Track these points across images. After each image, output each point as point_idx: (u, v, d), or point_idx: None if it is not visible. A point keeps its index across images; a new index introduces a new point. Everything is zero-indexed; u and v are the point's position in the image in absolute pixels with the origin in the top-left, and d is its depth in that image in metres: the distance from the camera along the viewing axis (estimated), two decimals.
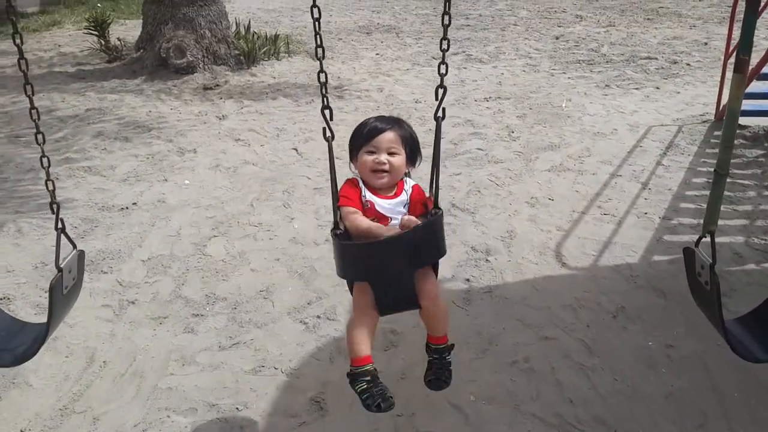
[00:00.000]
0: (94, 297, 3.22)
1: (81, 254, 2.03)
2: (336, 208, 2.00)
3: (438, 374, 2.12)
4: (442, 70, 1.94)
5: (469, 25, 9.97)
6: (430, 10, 11.52)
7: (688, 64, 7.47)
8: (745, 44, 1.76)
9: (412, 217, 1.93)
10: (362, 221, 1.96)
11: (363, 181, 2.06)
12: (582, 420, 2.43)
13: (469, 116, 5.74)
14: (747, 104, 5.20)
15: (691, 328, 2.93)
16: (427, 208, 2.04)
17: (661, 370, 2.72)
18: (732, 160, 4.62)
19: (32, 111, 1.99)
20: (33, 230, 3.86)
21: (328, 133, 2.00)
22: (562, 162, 4.74)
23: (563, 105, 6.04)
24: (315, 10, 1.89)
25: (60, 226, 1.95)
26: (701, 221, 3.89)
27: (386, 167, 2.03)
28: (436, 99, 1.95)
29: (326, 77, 1.98)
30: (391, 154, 2.04)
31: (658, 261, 3.49)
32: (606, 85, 6.68)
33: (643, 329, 2.97)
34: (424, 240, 1.90)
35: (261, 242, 3.72)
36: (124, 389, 2.64)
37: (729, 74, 5.41)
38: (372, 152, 2.04)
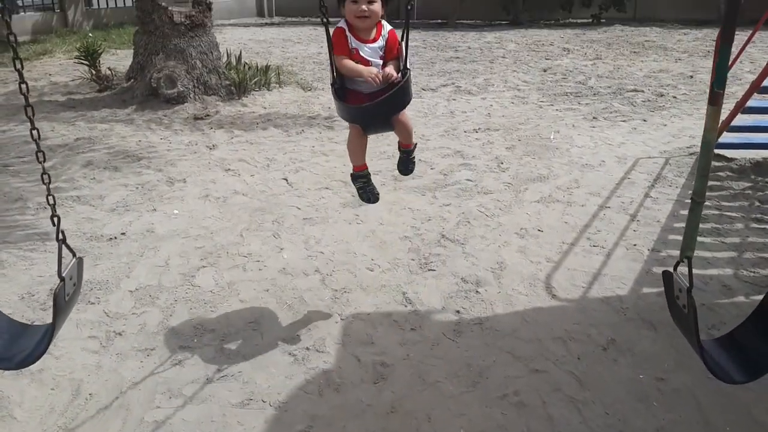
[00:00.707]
0: (80, 328, 3.17)
1: (80, 261, 2.18)
2: (331, 55, 2.68)
3: (405, 165, 3.18)
4: None
5: (458, 57, 10.10)
6: (420, 42, 11.67)
7: (675, 97, 7.60)
8: (720, 79, 1.80)
9: (391, 73, 2.65)
10: (351, 64, 2.66)
11: (348, 27, 2.68)
12: None
13: (458, 147, 5.79)
14: (733, 137, 5.29)
15: (681, 360, 2.93)
16: (398, 54, 2.73)
17: (652, 404, 2.70)
18: (719, 193, 4.72)
19: (33, 131, 2.12)
20: (19, 261, 3.82)
21: (324, 19, 2.60)
22: (551, 193, 4.77)
23: (551, 137, 6.11)
24: None
25: (61, 237, 2.04)
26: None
27: (367, 14, 2.65)
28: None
29: None
30: (370, 2, 2.65)
31: (647, 293, 3.49)
32: (593, 118, 6.77)
33: (634, 362, 2.96)
34: (399, 96, 2.65)
35: (250, 273, 3.69)
36: (110, 422, 2.59)
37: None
38: (355, 1, 2.64)
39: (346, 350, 3.05)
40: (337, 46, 2.67)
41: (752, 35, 4.72)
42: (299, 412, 2.66)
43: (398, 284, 3.57)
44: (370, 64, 2.71)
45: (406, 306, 3.39)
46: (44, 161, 2.16)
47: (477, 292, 3.50)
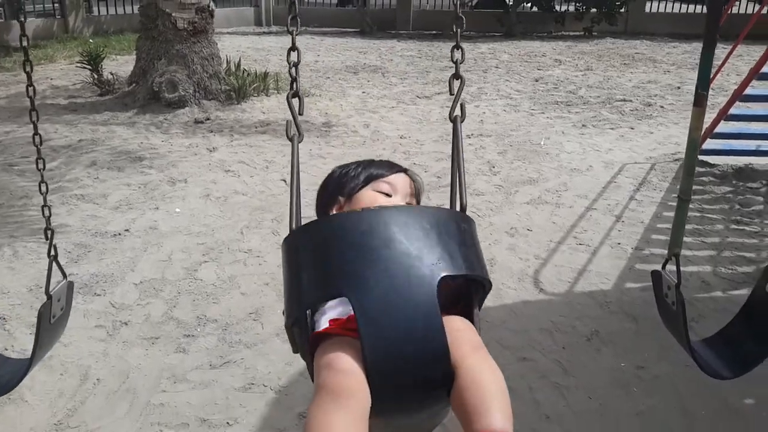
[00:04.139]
0: (87, 318, 3.31)
1: (70, 285, 1.95)
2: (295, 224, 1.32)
3: None
4: (456, 55, 1.54)
5: (452, 67, 10.30)
6: (415, 52, 11.88)
7: (662, 107, 7.81)
8: (703, 80, 1.97)
9: None
10: None
11: None
12: None
13: (451, 151, 5.96)
14: (716, 144, 5.49)
15: (661, 351, 3.09)
16: None
17: (633, 390, 2.86)
18: (701, 196, 4.90)
19: (35, 137, 1.99)
20: (27, 254, 3.95)
21: (293, 131, 1.40)
22: (541, 195, 4.95)
23: (542, 142, 6.30)
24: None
25: (53, 253, 1.91)
26: None
27: None
28: (451, 94, 1.52)
29: (298, 55, 1.49)
30: (407, 202, 1.53)
31: (630, 288, 3.66)
32: (583, 125, 6.97)
33: (616, 352, 3.13)
34: (457, 234, 1.17)
35: (251, 267, 3.84)
36: (117, 405, 2.72)
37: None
38: (386, 194, 1.50)
39: None
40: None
41: (734, 47, 4.93)
42: (299, 395, 2.80)
43: None
44: None
45: None
46: (44, 168, 2.00)
47: None
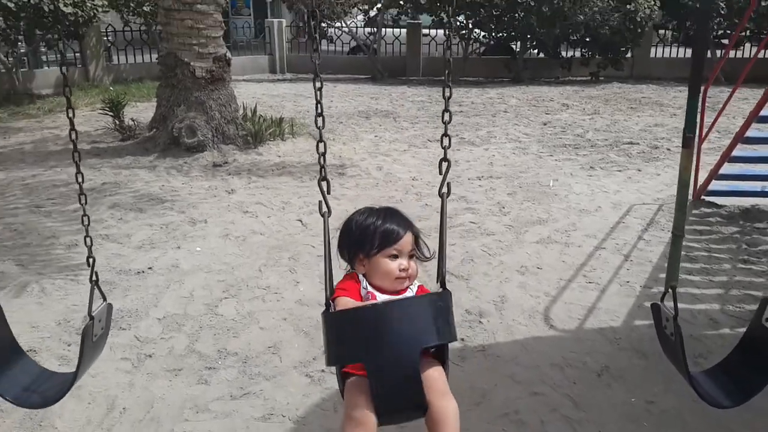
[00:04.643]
0: (114, 351, 3.44)
1: (110, 307, 2.20)
2: (329, 299, 1.82)
3: None
4: (445, 143, 1.90)
5: (462, 112, 10.57)
6: (425, 97, 12.18)
7: (668, 149, 7.97)
8: (690, 125, 2.13)
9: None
10: (351, 302, 1.81)
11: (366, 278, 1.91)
12: None
13: (462, 193, 6.12)
14: (722, 185, 5.63)
15: (670, 386, 3.16)
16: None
17: (643, 424, 2.93)
18: (708, 236, 5.01)
19: (77, 175, 2.29)
20: (55, 290, 4.11)
21: (324, 208, 1.89)
22: (550, 235, 5.08)
23: (550, 184, 6.45)
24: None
25: (94, 278, 2.12)
26: (680, 289, 4.18)
27: (410, 273, 1.90)
28: (440, 173, 1.88)
29: (325, 147, 1.90)
30: (410, 257, 1.93)
31: (639, 325, 3.75)
32: (591, 167, 7.13)
33: (626, 387, 3.21)
34: (431, 313, 1.68)
35: (269, 303, 3.97)
36: None
37: (704, 157, 5.89)
38: (395, 256, 1.89)
39: None
40: (341, 291, 1.87)
41: (734, 90, 5.10)
42: (316, 425, 2.90)
43: None
44: None
45: None
46: (85, 203, 2.26)
47: (480, 322, 3.76)
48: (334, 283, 1.88)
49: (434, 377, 1.70)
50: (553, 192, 6.22)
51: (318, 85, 1.90)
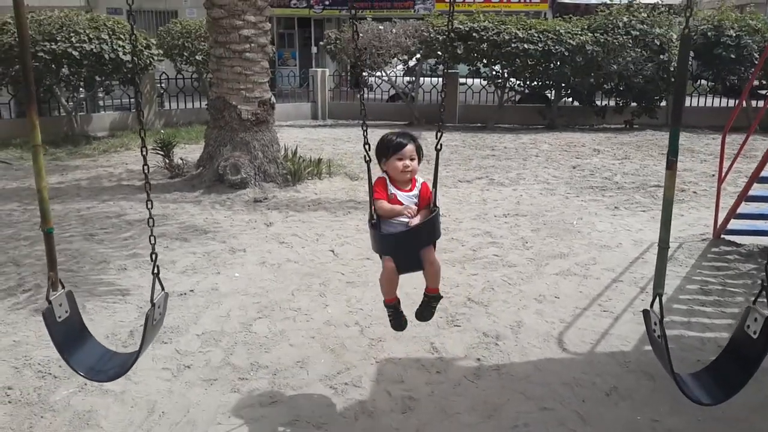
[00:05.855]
0: (155, 361, 3.77)
1: (166, 295, 2.76)
2: (372, 199, 3.01)
3: (424, 312, 3.25)
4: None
5: (494, 155, 10.88)
6: (459, 142, 12.52)
7: (695, 192, 8.10)
8: (673, 149, 2.40)
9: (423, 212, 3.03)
10: (388, 205, 2.99)
11: (389, 178, 3.03)
12: None
13: (488, 229, 6.38)
14: (741, 224, 5.76)
15: (676, 406, 3.32)
16: (429, 203, 3.05)
17: None
18: (725, 272, 5.14)
19: (148, 202, 2.76)
20: (104, 309, 4.49)
21: (367, 158, 3.03)
22: (570, 268, 5.28)
23: (574, 222, 6.66)
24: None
25: (156, 271, 2.60)
26: (691, 319, 4.35)
27: (410, 168, 3.02)
28: (436, 137, 3.01)
29: (364, 109, 3.13)
30: (411, 159, 3.02)
31: (650, 350, 3.87)
32: (615, 207, 7.32)
33: (633, 406, 3.38)
34: (428, 229, 3.00)
35: (299, 323, 4.27)
36: None
37: (724, 198, 6.04)
38: (401, 159, 3.01)
39: (379, 386, 3.55)
40: (378, 192, 2.99)
41: (747, 137, 5.32)
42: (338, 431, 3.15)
43: (427, 336, 4.08)
44: None
45: (432, 354, 3.89)
46: (151, 207, 2.79)
47: (496, 344, 3.98)
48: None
49: (428, 250, 3.02)
50: (576, 229, 6.42)
51: (363, 112, 3.09)
